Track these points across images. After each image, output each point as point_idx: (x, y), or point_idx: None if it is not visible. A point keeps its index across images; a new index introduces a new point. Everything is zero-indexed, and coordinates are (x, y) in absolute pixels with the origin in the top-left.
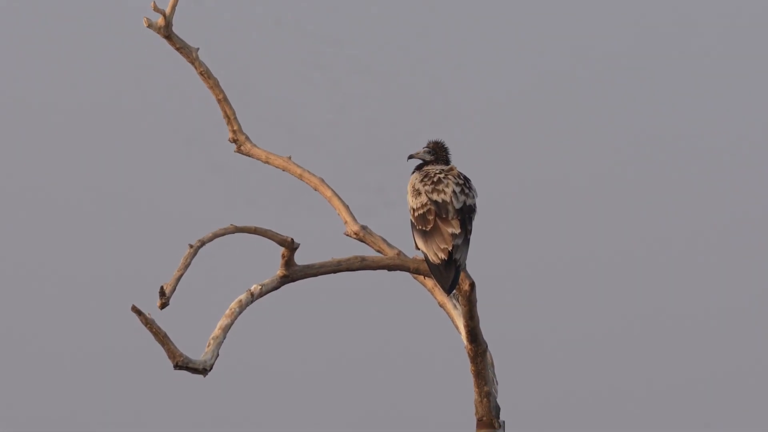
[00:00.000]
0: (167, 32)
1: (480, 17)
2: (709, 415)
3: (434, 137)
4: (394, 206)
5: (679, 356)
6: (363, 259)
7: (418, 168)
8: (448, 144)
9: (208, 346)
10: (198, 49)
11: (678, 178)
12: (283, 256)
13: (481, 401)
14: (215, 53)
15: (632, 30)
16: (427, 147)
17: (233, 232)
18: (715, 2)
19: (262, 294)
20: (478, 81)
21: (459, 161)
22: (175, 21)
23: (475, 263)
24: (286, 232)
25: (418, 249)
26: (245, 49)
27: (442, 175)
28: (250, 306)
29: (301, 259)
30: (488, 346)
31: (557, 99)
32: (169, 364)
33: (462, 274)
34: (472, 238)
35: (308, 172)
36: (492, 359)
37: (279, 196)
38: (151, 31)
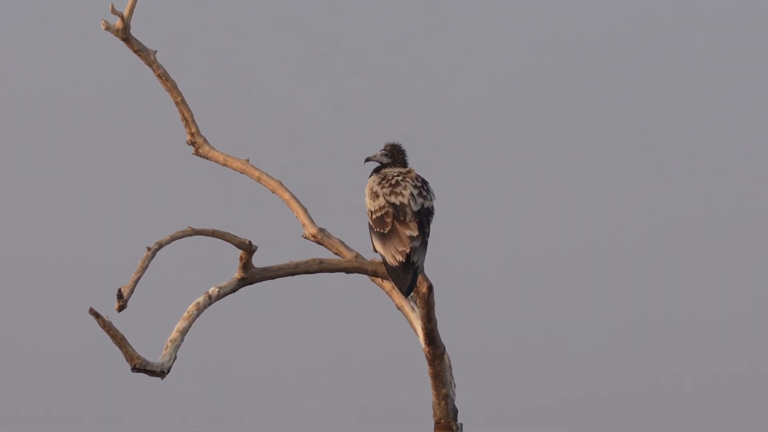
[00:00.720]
0: (125, 35)
1: (480, 17)
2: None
3: (393, 140)
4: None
5: (650, 355)
6: (321, 261)
7: (376, 171)
8: (436, 135)
9: (166, 348)
10: (156, 51)
11: (676, 172)
12: (241, 258)
13: (439, 404)
14: (215, 53)
15: (633, 23)
16: (384, 150)
17: (191, 235)
18: None
19: (219, 296)
20: (478, 81)
21: (455, 160)
22: (175, 21)
23: (432, 266)
24: (245, 235)
25: (376, 251)
26: (245, 49)
27: (400, 178)
28: (209, 308)
29: (259, 261)
30: (446, 349)
31: (558, 99)
32: (127, 365)
33: (420, 277)
34: (430, 240)
35: (266, 174)
36: (450, 362)
37: (237, 196)
38: (145, 24)
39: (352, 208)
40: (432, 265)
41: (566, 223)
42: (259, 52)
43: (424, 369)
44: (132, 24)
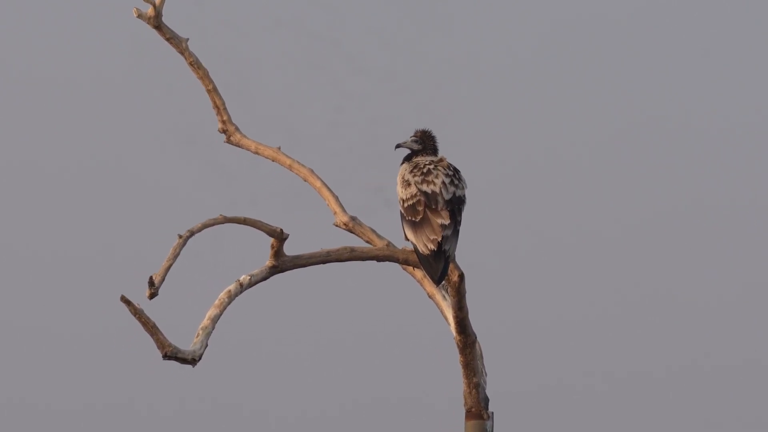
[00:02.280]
0: (157, 22)
1: (480, 17)
2: (710, 406)
3: (423, 127)
4: (394, 206)
5: (680, 344)
6: (352, 249)
7: (407, 159)
8: (437, 134)
9: (197, 336)
10: (188, 39)
11: (674, 157)
12: (272, 246)
13: (470, 392)
14: (215, 53)
15: (627, 8)
16: (414, 136)
17: (222, 223)
18: None
19: (251, 284)
20: (478, 81)
21: (457, 159)
22: (174, 21)
23: (464, 254)
24: (276, 223)
25: (408, 240)
26: (245, 48)
27: (431, 166)
28: (239, 296)
29: (290, 249)
30: (477, 338)
31: (557, 98)
32: (158, 353)
33: (451, 266)
34: (462, 228)
35: (298, 162)
36: (481, 350)
37: (269, 187)
38: (142, 23)
39: (352, 208)
40: (463, 253)
41: (555, 213)
42: (259, 52)
43: (456, 358)
44: (127, 17)
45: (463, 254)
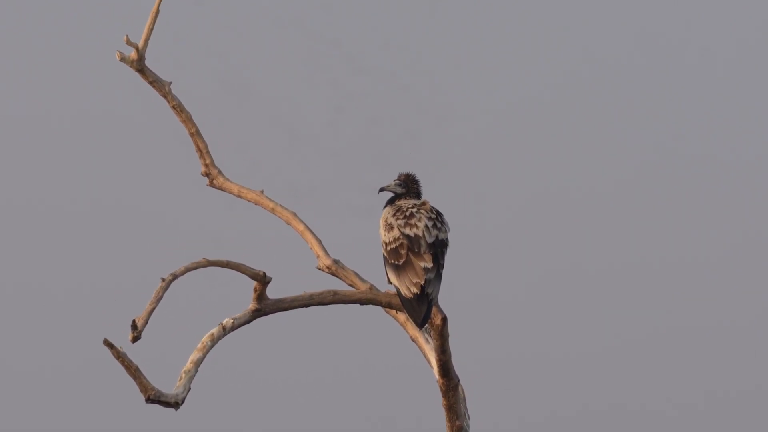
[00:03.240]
0: (140, 66)
1: (480, 17)
2: None
3: (405, 170)
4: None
5: (674, 379)
6: (335, 293)
7: (390, 202)
8: (436, 135)
9: (180, 379)
10: (170, 83)
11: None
12: (255, 289)
13: None
14: (215, 53)
15: (641, 31)
16: (398, 179)
17: (205, 266)
18: (736, 8)
19: (234, 328)
20: (478, 81)
21: (458, 161)
22: (174, 21)
23: (447, 297)
24: (259, 266)
25: (390, 283)
26: (245, 49)
27: (414, 210)
28: (222, 339)
29: (273, 292)
30: (460, 381)
31: (558, 98)
32: (141, 396)
33: (434, 309)
34: (445, 272)
35: (280, 206)
36: (464, 394)
37: (252, 228)
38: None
39: (352, 208)
40: (445, 294)
41: (571, 232)
42: (259, 52)
43: (439, 401)
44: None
45: (446, 297)
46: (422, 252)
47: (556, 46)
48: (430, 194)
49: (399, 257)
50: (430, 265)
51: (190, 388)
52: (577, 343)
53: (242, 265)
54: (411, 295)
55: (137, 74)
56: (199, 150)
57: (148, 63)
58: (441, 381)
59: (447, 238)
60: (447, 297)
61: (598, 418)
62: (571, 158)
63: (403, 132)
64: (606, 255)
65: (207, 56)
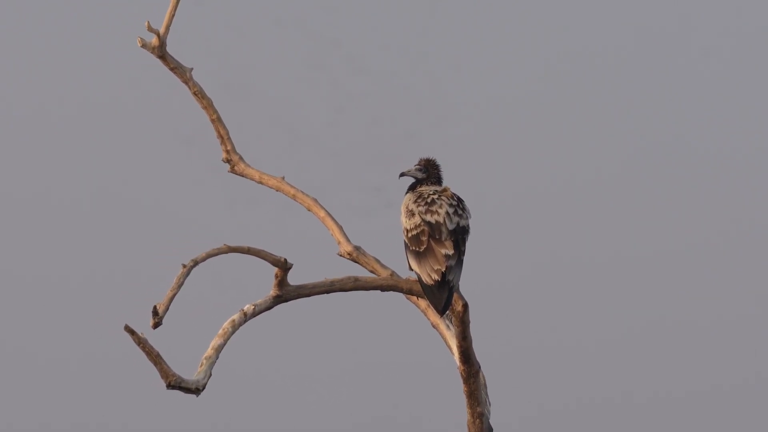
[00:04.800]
0: (161, 52)
1: (480, 17)
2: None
3: (426, 155)
4: (395, 207)
5: (684, 365)
6: (356, 279)
7: (411, 188)
8: (440, 161)
9: (201, 365)
10: (192, 69)
11: (683, 180)
12: (276, 276)
13: (474, 422)
14: (215, 53)
15: (637, 27)
16: (418, 165)
17: (226, 252)
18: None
19: (255, 314)
20: (478, 81)
21: (457, 162)
22: (174, 21)
23: (468, 283)
24: (280, 252)
25: (412, 270)
26: (245, 49)
27: (435, 196)
28: (243, 325)
29: (294, 279)
30: (481, 367)
31: (558, 98)
32: (162, 383)
33: (455, 295)
34: (466, 258)
35: (301, 192)
36: (485, 380)
37: (273, 215)
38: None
39: (352, 208)
40: (466, 283)
41: (560, 236)
42: (259, 52)
43: (459, 387)
44: (132, 27)
45: (468, 284)
46: (443, 239)
47: (557, 46)
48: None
49: (420, 244)
50: (451, 251)
51: (211, 375)
52: (592, 332)
53: (263, 251)
54: (432, 282)
55: (158, 61)
56: (220, 136)
57: (144, 66)
58: (462, 367)
59: (468, 225)
60: (468, 284)
61: (612, 406)
62: (570, 154)
63: (403, 132)
64: (614, 245)
65: (207, 56)
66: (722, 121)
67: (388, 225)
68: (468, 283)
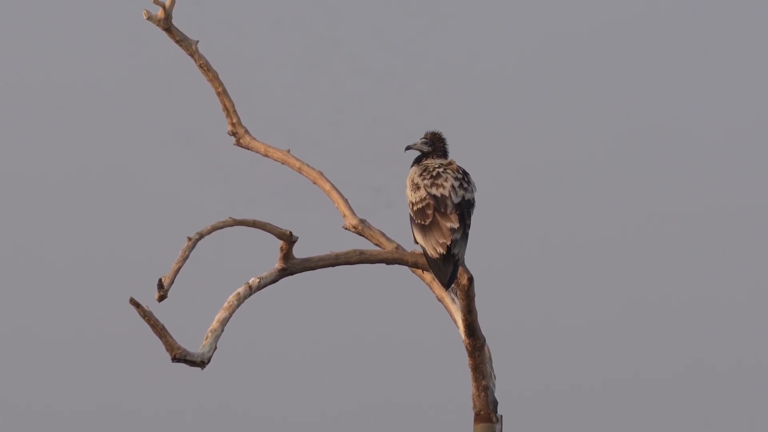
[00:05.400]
0: (167, 25)
1: (480, 17)
2: (708, 407)
3: (434, 129)
4: (395, 207)
5: (687, 345)
6: (361, 252)
7: (417, 161)
8: (446, 136)
9: (206, 339)
10: (198, 41)
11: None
12: (281, 249)
13: (479, 395)
14: (216, 53)
15: (632, 11)
16: (424, 138)
17: (232, 225)
18: None
19: (260, 287)
20: (478, 81)
21: (461, 161)
22: (174, 21)
23: (473, 257)
24: (285, 226)
25: (417, 243)
26: (245, 48)
27: (441, 170)
28: (248, 298)
29: (299, 252)
30: (486, 341)
31: (557, 98)
32: (167, 356)
33: (460, 269)
34: (471, 232)
35: (307, 165)
36: (490, 353)
37: (277, 190)
38: (150, 25)
39: (352, 208)
40: (472, 256)
41: (563, 215)
42: (259, 52)
43: (464, 360)
44: (132, 19)
45: (473, 257)
46: (449, 212)
47: (557, 46)
48: None
49: (425, 217)
50: (456, 225)
51: (216, 347)
52: (592, 309)
53: (269, 224)
54: (437, 256)
55: (164, 33)
56: (226, 109)
57: (147, 66)
58: (467, 341)
59: (473, 198)
60: (473, 258)
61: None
62: (571, 155)
63: (403, 132)
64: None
65: (207, 56)
66: (711, 100)
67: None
68: (474, 257)
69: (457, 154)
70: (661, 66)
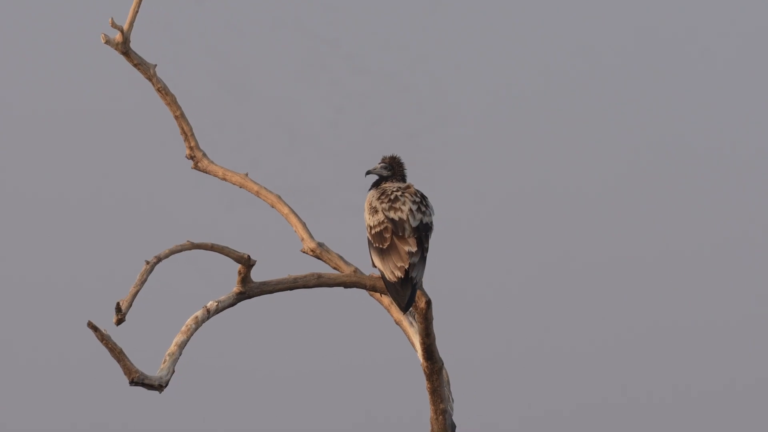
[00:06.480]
0: (125, 48)
1: (480, 17)
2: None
3: (390, 153)
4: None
5: (656, 371)
6: (319, 276)
7: (375, 185)
8: (438, 138)
9: (164, 362)
10: (155, 65)
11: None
12: (239, 272)
13: (437, 419)
14: (215, 53)
15: (639, 29)
16: (383, 162)
17: (190, 249)
18: (729, 4)
19: (218, 310)
20: (478, 81)
21: (458, 161)
22: (174, 21)
23: (431, 281)
24: (243, 249)
25: (375, 267)
26: (245, 49)
27: (399, 193)
28: (206, 322)
29: (257, 275)
30: (444, 364)
31: (558, 98)
32: (125, 379)
33: (418, 292)
34: (429, 255)
35: (265, 189)
36: (448, 377)
37: (236, 209)
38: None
39: (351, 208)
40: (429, 278)
41: (567, 231)
42: (259, 52)
43: (423, 384)
44: (133, 27)
45: (431, 281)
46: (406, 236)
47: (557, 46)
48: (430, 191)
49: (383, 241)
50: (414, 249)
51: (174, 371)
52: (566, 337)
53: (227, 248)
54: (395, 279)
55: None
56: (184, 133)
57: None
58: (425, 364)
59: (431, 222)
60: (432, 284)
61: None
62: (570, 155)
63: (403, 132)
64: (601, 249)
65: (207, 56)
66: (725, 121)
67: (352, 208)
68: (432, 281)
69: (456, 155)
70: (673, 87)
